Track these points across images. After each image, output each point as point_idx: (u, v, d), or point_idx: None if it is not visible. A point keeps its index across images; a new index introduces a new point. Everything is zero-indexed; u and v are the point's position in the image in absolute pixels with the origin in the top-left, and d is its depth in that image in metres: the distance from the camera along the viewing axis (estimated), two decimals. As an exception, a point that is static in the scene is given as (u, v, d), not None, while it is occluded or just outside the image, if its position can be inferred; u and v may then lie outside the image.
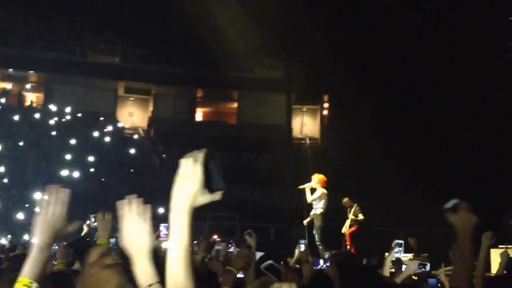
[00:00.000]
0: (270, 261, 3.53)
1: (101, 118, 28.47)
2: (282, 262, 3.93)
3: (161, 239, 7.76)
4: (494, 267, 9.69)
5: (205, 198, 2.11)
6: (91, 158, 23.59)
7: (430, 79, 24.69)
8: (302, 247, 7.61)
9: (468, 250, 2.92)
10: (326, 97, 32.53)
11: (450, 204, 3.00)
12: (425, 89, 24.90)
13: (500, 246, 11.62)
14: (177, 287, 2.01)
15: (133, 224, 2.33)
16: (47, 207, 2.74)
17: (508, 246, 12.15)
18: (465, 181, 22.19)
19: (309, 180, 13.49)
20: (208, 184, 2.10)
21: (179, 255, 2.06)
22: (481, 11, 21.66)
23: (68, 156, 22.79)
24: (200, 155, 2.15)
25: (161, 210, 16.18)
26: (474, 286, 4.70)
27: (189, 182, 2.11)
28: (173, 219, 2.12)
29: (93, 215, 7.47)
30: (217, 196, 2.13)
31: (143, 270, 2.27)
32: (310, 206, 13.41)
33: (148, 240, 2.32)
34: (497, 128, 21.99)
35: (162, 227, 8.36)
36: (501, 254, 6.53)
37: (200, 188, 2.09)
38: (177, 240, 2.08)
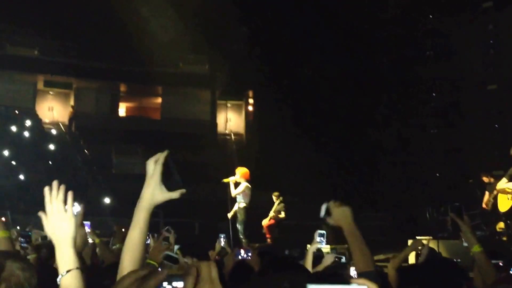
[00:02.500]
0: (165, 252, 3.66)
1: (16, 112, 27.49)
2: (177, 252, 3.96)
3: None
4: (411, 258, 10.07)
5: (164, 196, 2.24)
6: (8, 154, 22.80)
7: (352, 77, 25.21)
8: (222, 241, 7.59)
9: (358, 239, 3.03)
10: (250, 93, 32.69)
11: (323, 211, 3.14)
12: (348, 86, 25.41)
13: (417, 237, 12.07)
14: (133, 261, 2.21)
15: (56, 210, 2.38)
16: None
17: (425, 237, 12.65)
18: (386, 177, 22.92)
19: (233, 175, 13.57)
20: (168, 183, 2.22)
21: (134, 240, 2.24)
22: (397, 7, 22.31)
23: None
24: (161, 156, 2.26)
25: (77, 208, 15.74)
26: (388, 276, 4.88)
27: (149, 182, 2.23)
28: (135, 212, 2.27)
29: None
30: (175, 194, 2.25)
31: (63, 256, 2.32)
32: (234, 200, 13.50)
33: (71, 227, 2.36)
34: (416, 128, 22.72)
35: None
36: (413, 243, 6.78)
37: (157, 187, 2.22)
38: (134, 229, 2.26)
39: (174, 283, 1.35)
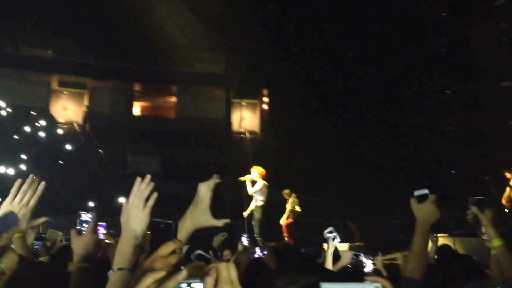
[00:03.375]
0: (198, 251, 3.60)
1: (33, 113, 27.62)
2: (210, 252, 3.91)
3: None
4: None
5: (208, 222, 2.26)
6: (22, 154, 22.88)
7: (368, 74, 25.11)
8: (244, 241, 7.57)
9: (424, 242, 2.92)
10: (265, 91, 32.64)
11: (419, 192, 2.97)
12: (365, 83, 25.32)
13: (433, 235, 11.96)
14: None
15: (136, 204, 2.36)
16: (20, 194, 2.71)
17: (440, 235, 12.53)
18: (402, 174, 22.77)
19: (248, 173, 13.55)
20: (216, 211, 2.25)
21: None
22: (414, 6, 22.17)
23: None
24: (214, 182, 2.27)
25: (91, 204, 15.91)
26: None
27: (198, 205, 2.26)
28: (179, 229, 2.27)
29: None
30: (219, 223, 2.27)
31: (123, 251, 2.26)
32: (250, 199, 13.47)
33: (142, 226, 2.32)
34: (425, 122, 22.58)
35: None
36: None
37: (205, 211, 2.24)
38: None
39: (193, 285, 1.31)
